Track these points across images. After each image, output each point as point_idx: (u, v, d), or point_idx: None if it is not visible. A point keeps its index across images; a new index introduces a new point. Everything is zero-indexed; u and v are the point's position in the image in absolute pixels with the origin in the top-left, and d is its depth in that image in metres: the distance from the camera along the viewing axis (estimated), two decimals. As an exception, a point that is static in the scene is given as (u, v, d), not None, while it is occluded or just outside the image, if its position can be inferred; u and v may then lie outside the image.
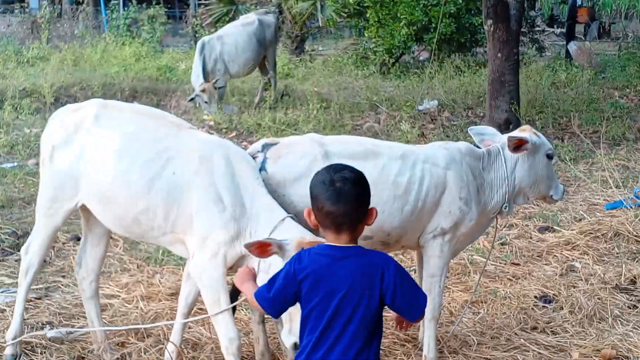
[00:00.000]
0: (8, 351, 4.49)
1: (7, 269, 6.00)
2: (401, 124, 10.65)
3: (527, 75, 14.14)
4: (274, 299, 2.89)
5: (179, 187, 4.00)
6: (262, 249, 3.43)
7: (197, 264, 3.99)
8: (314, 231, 3.26)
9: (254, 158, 4.19)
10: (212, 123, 10.85)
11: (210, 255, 3.95)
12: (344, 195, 2.82)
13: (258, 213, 3.93)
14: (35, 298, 5.43)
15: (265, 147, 4.23)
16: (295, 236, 3.57)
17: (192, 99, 11.59)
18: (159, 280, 5.76)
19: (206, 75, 11.78)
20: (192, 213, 3.97)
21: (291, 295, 2.88)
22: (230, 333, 3.95)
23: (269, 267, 3.66)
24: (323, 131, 10.16)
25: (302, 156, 4.18)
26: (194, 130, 4.32)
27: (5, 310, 5.17)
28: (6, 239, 6.59)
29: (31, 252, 4.54)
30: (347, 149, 4.27)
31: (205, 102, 11.37)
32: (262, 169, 4.13)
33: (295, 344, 3.61)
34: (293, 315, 3.54)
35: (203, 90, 11.40)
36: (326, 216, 2.83)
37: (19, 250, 6.22)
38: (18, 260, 6.04)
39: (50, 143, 4.31)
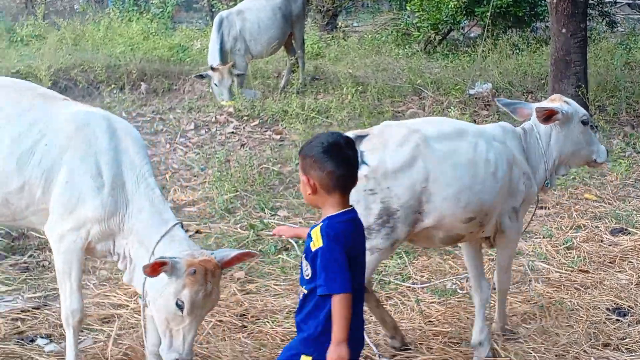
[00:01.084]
0: None
1: (1, 275, 6.08)
2: (449, 110, 10.63)
3: (595, 54, 14.03)
4: (346, 275, 3.31)
5: (55, 159, 4.26)
6: (155, 268, 3.89)
7: (55, 229, 4.26)
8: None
9: None
10: (231, 110, 10.91)
11: (73, 226, 4.24)
12: (353, 159, 3.46)
13: (141, 204, 4.25)
14: (33, 308, 5.50)
15: (357, 139, 4.40)
16: (185, 255, 4.01)
17: (200, 76, 11.63)
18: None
19: (224, 56, 11.82)
20: (63, 183, 4.22)
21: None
22: (74, 305, 4.33)
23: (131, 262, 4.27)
24: (359, 119, 10.19)
25: (402, 144, 4.47)
26: (70, 102, 4.56)
27: (-1, 321, 5.25)
28: (0, 240, 6.69)
29: None
30: (440, 130, 4.63)
31: (215, 85, 11.40)
32: (362, 162, 4.37)
33: None
34: (174, 331, 4.05)
35: (214, 70, 11.43)
36: (337, 180, 3.38)
37: (14, 254, 6.36)
38: (13, 265, 6.18)
39: None
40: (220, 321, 5.27)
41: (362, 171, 4.28)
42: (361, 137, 4.49)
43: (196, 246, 4.20)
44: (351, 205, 3.45)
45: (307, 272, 3.38)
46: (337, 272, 3.28)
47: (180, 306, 4.01)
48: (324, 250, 3.29)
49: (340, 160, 3.38)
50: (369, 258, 4.14)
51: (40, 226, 4.43)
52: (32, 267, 6.29)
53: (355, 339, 3.42)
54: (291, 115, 10.56)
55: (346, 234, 3.34)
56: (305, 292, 3.42)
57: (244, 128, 10.47)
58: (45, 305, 5.57)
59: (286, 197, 8.03)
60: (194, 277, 3.98)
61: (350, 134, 4.39)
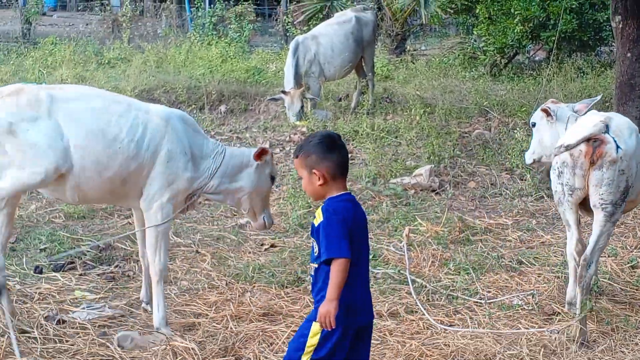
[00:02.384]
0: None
1: (90, 284, 6.21)
2: (515, 131, 10.54)
3: (660, 77, 13.73)
4: (343, 242, 3.74)
5: (158, 144, 5.25)
6: (260, 154, 5.48)
7: (155, 201, 5.27)
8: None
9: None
10: (304, 129, 10.98)
11: (170, 196, 5.32)
12: (345, 149, 3.96)
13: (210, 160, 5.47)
14: (120, 315, 5.59)
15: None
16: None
17: (273, 99, 11.80)
18: (250, 299, 5.87)
19: (299, 79, 11.92)
20: (164, 162, 5.30)
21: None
22: (166, 261, 5.37)
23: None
24: (427, 139, 10.16)
25: (630, 133, 5.37)
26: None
27: (87, 327, 5.35)
28: (88, 251, 6.83)
29: None
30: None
31: (285, 107, 11.57)
32: (617, 147, 5.20)
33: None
34: (267, 202, 5.72)
35: (285, 93, 11.57)
36: (341, 166, 3.88)
37: (101, 264, 6.50)
38: (100, 275, 6.31)
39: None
40: (295, 331, 5.28)
41: (618, 154, 5.16)
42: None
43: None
44: (349, 191, 3.94)
45: (316, 249, 3.82)
46: (335, 239, 3.72)
47: (273, 178, 5.64)
48: (324, 223, 3.77)
49: (339, 151, 3.89)
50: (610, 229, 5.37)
51: (133, 203, 5.36)
52: (118, 276, 6.41)
53: (363, 310, 3.90)
54: (361, 135, 10.59)
55: (345, 211, 3.80)
56: (316, 266, 3.85)
57: (316, 147, 10.49)
58: (131, 313, 5.66)
59: (357, 214, 8.03)
60: (272, 158, 5.63)
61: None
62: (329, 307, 3.70)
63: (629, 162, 5.23)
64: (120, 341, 5.04)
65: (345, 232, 3.74)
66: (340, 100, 13.34)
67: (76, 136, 4.96)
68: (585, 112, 5.90)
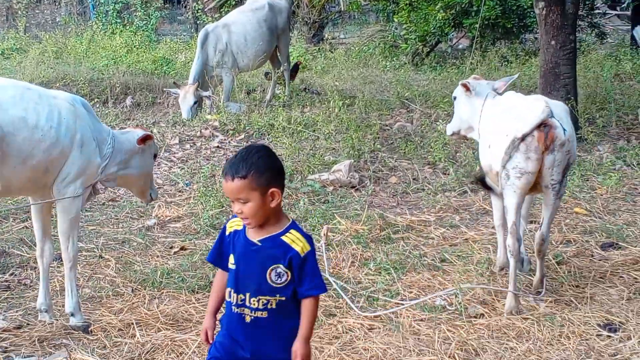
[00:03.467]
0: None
1: (-17, 294, 6.06)
2: (438, 123, 10.67)
3: (585, 66, 14.12)
4: None
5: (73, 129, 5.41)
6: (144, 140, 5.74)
7: (70, 187, 5.40)
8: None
9: None
10: (217, 124, 10.92)
11: (83, 182, 5.49)
12: None
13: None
14: (15, 327, 5.48)
15: None
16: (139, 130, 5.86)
17: (169, 90, 11.77)
18: (157, 306, 5.81)
19: (209, 70, 11.85)
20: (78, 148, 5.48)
21: None
22: (76, 249, 5.59)
23: None
24: (346, 132, 10.21)
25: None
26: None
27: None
28: (-20, 258, 6.67)
29: None
30: None
31: (179, 102, 11.57)
32: (564, 129, 5.69)
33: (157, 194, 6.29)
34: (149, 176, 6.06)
35: (178, 86, 11.54)
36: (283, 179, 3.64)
37: (2, 273, 6.33)
38: (-6, 284, 6.13)
39: None
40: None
41: (565, 136, 5.65)
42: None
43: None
44: None
45: (282, 278, 3.51)
46: (319, 272, 3.56)
47: (155, 156, 6.01)
48: (313, 253, 3.54)
49: (278, 159, 3.61)
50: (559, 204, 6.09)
51: (47, 192, 5.40)
52: (14, 285, 6.28)
53: None
54: (277, 129, 10.58)
55: None
56: (279, 299, 3.53)
57: (229, 142, 10.48)
58: (28, 324, 5.54)
59: (273, 213, 8.02)
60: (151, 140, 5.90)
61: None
62: (309, 348, 3.54)
63: (572, 143, 5.78)
64: None
65: None
66: (249, 93, 13.30)
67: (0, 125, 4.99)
68: (504, 91, 6.44)
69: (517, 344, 5.27)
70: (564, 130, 5.69)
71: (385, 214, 7.84)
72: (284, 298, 3.52)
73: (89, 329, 5.48)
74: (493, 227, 6.72)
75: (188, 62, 14.21)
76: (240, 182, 3.45)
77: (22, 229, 7.49)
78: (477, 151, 6.87)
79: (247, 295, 3.53)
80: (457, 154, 9.72)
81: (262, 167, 3.45)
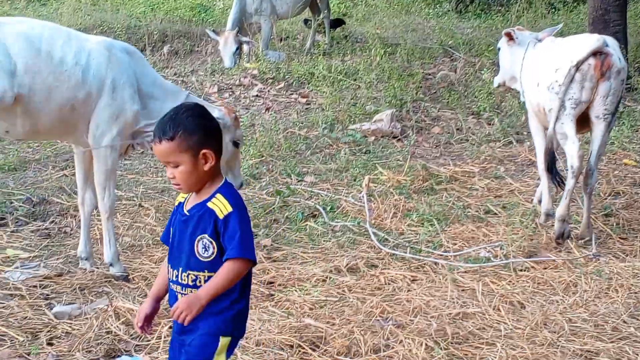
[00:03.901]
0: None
1: (22, 241, 6.14)
2: (482, 72, 10.56)
3: (635, 13, 13.85)
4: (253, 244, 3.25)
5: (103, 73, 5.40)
6: None
7: (105, 137, 5.42)
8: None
9: None
10: (256, 72, 10.89)
11: (117, 131, 5.46)
12: None
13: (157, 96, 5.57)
14: (56, 275, 5.55)
15: None
16: (220, 111, 5.64)
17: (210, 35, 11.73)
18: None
19: (247, 17, 11.79)
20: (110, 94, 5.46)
21: None
22: (114, 199, 5.59)
23: None
24: (388, 81, 10.14)
25: None
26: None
27: (21, 288, 5.29)
28: (20, 206, 6.74)
29: None
30: None
31: (219, 50, 11.50)
32: None
33: (242, 182, 6.08)
34: (232, 166, 5.84)
35: (218, 33, 11.47)
36: (221, 142, 3.29)
37: (35, 220, 6.42)
38: (35, 231, 6.23)
39: None
40: (247, 289, 5.29)
41: (621, 64, 5.86)
42: None
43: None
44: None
45: (209, 251, 3.19)
46: (250, 237, 3.18)
47: (237, 144, 5.81)
48: (237, 215, 3.16)
49: (215, 121, 3.31)
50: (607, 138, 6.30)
51: (81, 139, 5.42)
52: (54, 233, 6.35)
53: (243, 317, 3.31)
54: (318, 77, 10.52)
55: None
56: (210, 275, 3.18)
57: (268, 91, 10.46)
58: (69, 272, 5.62)
59: (313, 163, 8.04)
60: (237, 120, 5.83)
61: None
62: (199, 302, 3.12)
63: (626, 73, 6.00)
64: (57, 317, 4.98)
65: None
66: (306, 22, 13.20)
67: (24, 58, 5.03)
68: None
69: (563, 296, 5.25)
70: (619, 58, 5.87)
71: (428, 165, 7.81)
72: (212, 274, 3.17)
73: (128, 278, 5.54)
74: (539, 179, 6.67)
75: (226, 10, 14.14)
76: (168, 145, 3.15)
77: (62, 177, 7.56)
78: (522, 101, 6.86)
79: (180, 270, 3.24)
80: (502, 104, 9.63)
81: (191, 127, 3.16)
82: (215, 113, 5.47)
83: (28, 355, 4.51)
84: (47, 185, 7.36)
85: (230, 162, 5.84)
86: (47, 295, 5.27)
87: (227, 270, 3.13)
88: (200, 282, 3.19)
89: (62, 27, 5.48)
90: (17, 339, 4.66)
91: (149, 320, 3.34)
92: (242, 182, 6.11)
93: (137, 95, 5.45)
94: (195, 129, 3.17)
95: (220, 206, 3.16)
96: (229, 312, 3.20)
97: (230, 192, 3.22)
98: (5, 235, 6.23)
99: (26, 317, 4.92)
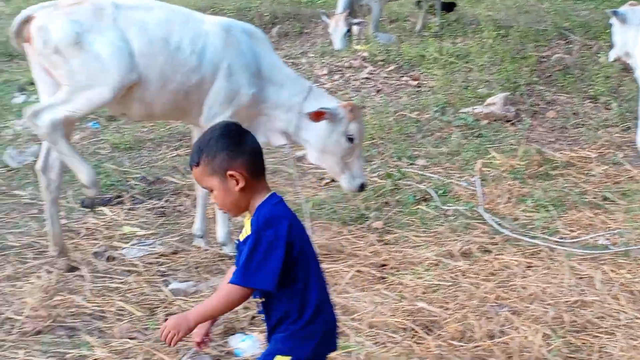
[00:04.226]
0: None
1: (139, 219, 6.30)
2: (599, 55, 10.31)
3: None
4: (275, 271, 2.96)
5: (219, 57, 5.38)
6: (318, 115, 5.36)
7: (216, 119, 5.27)
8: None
9: None
10: (366, 54, 10.88)
11: (231, 114, 5.43)
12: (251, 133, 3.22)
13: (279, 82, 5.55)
14: (171, 252, 5.67)
15: None
16: (337, 103, 5.54)
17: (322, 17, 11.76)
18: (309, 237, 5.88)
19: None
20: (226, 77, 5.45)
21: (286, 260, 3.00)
22: None
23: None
24: (501, 64, 10.00)
25: None
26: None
27: (137, 264, 5.43)
28: (136, 185, 6.92)
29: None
30: None
31: (329, 32, 11.51)
32: None
33: (362, 184, 5.67)
34: (350, 164, 5.56)
35: (328, 16, 11.47)
36: (260, 158, 3.12)
37: (150, 198, 6.57)
38: (150, 209, 6.38)
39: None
40: (359, 272, 5.31)
41: None
42: None
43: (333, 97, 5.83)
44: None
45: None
46: (258, 265, 2.95)
47: (351, 139, 5.50)
48: (252, 236, 2.98)
49: (250, 138, 3.13)
50: None
51: (195, 120, 5.50)
52: (169, 211, 6.49)
53: (325, 338, 3.15)
54: (429, 60, 10.46)
55: (282, 218, 3.00)
56: (261, 300, 3.11)
57: (379, 73, 10.44)
58: (183, 250, 5.73)
59: (424, 146, 7.99)
60: (354, 113, 5.51)
61: None
62: (186, 324, 3.02)
63: None
64: (174, 293, 5.09)
65: (279, 254, 2.95)
66: (418, 4, 13.13)
67: (141, 45, 5.10)
68: None
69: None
70: None
71: (542, 149, 7.67)
72: (264, 299, 3.11)
73: None
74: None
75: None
76: (196, 170, 3.09)
77: (175, 157, 7.72)
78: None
79: None
80: (620, 88, 9.39)
81: (213, 150, 3.04)
82: (327, 103, 5.53)
83: (145, 330, 4.63)
84: (162, 164, 7.53)
85: (346, 158, 5.58)
86: (163, 272, 5.40)
87: (221, 294, 3.06)
88: (260, 307, 3.15)
89: (180, 9, 5.51)
90: (135, 314, 4.80)
91: (206, 334, 3.26)
92: (363, 184, 5.69)
93: (255, 78, 5.44)
94: (218, 150, 3.04)
95: (247, 227, 3.05)
96: (285, 332, 3.08)
97: (261, 213, 3.02)
98: (122, 212, 6.40)
99: (143, 293, 5.05)
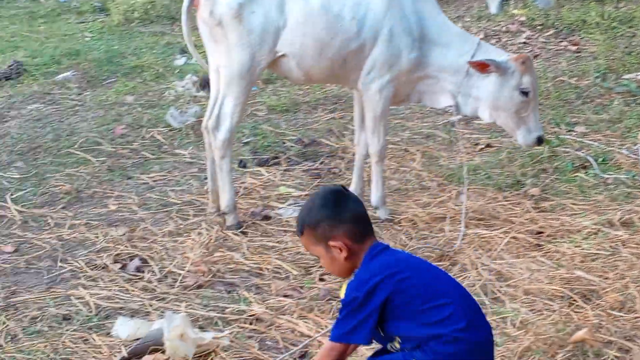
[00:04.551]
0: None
1: (294, 180, 6.41)
2: None
3: None
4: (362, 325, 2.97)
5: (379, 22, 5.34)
6: (482, 66, 5.25)
7: (375, 82, 5.43)
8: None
9: None
10: (523, 19, 10.65)
11: (390, 78, 5.44)
12: (356, 197, 3.23)
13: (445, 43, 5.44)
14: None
15: None
16: (507, 57, 5.37)
17: None
18: (463, 201, 5.85)
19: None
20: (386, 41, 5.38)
21: None
22: (384, 142, 5.58)
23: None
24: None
25: None
26: None
27: (293, 224, 5.53)
28: (292, 147, 7.04)
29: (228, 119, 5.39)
30: None
31: None
32: None
33: (540, 137, 5.45)
34: (525, 118, 5.39)
35: None
36: (363, 222, 3.06)
37: (306, 160, 6.68)
38: (305, 171, 6.49)
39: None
40: (515, 238, 5.25)
41: None
42: None
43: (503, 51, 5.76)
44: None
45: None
46: (347, 322, 2.97)
47: (525, 92, 5.30)
48: (345, 300, 3.02)
49: (352, 203, 3.10)
50: None
51: (354, 84, 5.50)
52: (323, 173, 6.58)
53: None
54: (590, 25, 10.15)
55: (378, 271, 2.97)
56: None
57: (537, 38, 10.20)
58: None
59: (584, 113, 7.78)
60: (525, 66, 5.29)
61: None
62: None
63: None
64: None
65: (371, 308, 2.94)
66: None
67: (299, 13, 5.19)
68: None
69: None
70: None
71: None
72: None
73: (394, 221, 5.63)
74: None
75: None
76: (302, 239, 3.17)
77: (330, 120, 7.80)
78: None
79: None
80: None
81: (313, 220, 3.06)
82: (497, 57, 5.38)
83: (301, 288, 4.75)
84: (317, 127, 7.62)
85: (521, 112, 5.39)
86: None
87: (323, 350, 3.14)
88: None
89: None
90: (291, 272, 4.91)
91: None
92: (540, 137, 5.46)
93: (418, 42, 5.37)
94: (318, 220, 3.05)
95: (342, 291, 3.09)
96: None
97: (356, 275, 3.06)
98: (279, 173, 6.53)
99: (299, 252, 5.15)
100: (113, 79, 9.61)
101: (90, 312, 4.51)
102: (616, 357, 3.87)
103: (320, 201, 3.11)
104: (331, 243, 3.03)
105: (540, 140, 5.51)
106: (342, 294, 3.08)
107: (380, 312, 2.94)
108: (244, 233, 5.45)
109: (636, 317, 4.23)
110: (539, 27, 10.44)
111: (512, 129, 5.49)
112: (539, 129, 5.46)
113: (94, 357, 4.06)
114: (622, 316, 4.24)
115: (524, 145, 5.63)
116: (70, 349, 4.12)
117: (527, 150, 6.78)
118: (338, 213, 3.05)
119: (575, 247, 5.12)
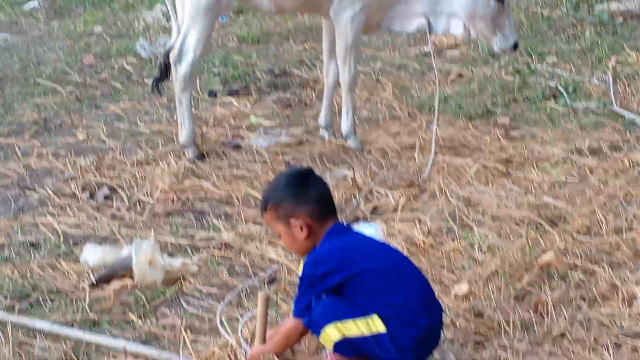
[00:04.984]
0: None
1: (265, 110, 6.38)
2: None
3: None
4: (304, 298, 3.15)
5: None
6: None
7: (347, 11, 5.36)
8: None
9: None
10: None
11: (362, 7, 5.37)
12: (322, 179, 3.37)
13: None
14: (296, 143, 5.74)
15: None
16: None
17: None
18: (435, 131, 5.85)
19: None
20: None
21: None
22: (356, 70, 5.60)
23: None
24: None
25: None
26: None
27: (263, 154, 5.52)
28: (262, 77, 7.00)
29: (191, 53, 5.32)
30: None
31: None
32: None
33: (516, 42, 5.51)
34: (500, 25, 5.40)
35: None
36: (325, 203, 3.20)
37: (276, 90, 6.64)
38: (276, 101, 6.46)
39: None
40: (484, 166, 5.26)
41: None
42: None
43: None
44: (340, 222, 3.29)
45: None
46: (301, 297, 3.14)
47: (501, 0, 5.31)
48: (302, 273, 3.16)
49: (316, 184, 3.24)
50: None
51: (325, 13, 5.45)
52: (294, 103, 6.54)
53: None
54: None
55: (336, 251, 3.12)
56: None
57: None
58: (308, 141, 5.79)
59: (555, 43, 7.78)
60: None
61: None
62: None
63: None
64: None
65: (324, 288, 3.08)
66: None
67: None
68: None
69: None
70: None
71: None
72: None
73: (365, 151, 5.63)
74: None
75: None
76: (265, 216, 3.28)
77: (302, 50, 7.75)
78: None
79: None
80: None
81: (277, 198, 3.19)
82: None
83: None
84: (288, 57, 7.58)
85: (498, 20, 5.42)
86: (288, 162, 5.47)
87: (284, 327, 3.23)
88: None
89: None
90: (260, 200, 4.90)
91: None
92: (515, 42, 5.53)
93: None
94: (281, 199, 3.17)
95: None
96: None
97: (315, 251, 3.16)
98: (249, 103, 6.50)
99: (269, 181, 5.13)
100: (81, 9, 9.48)
101: (59, 239, 4.49)
102: (581, 280, 3.91)
103: (285, 180, 3.26)
104: (292, 221, 3.14)
105: (516, 45, 5.59)
106: (300, 270, 3.20)
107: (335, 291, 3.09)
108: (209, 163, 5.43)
109: (602, 242, 4.27)
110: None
111: (488, 36, 5.52)
112: (514, 34, 5.55)
113: (62, 283, 4.05)
114: (587, 240, 4.27)
115: (501, 51, 5.63)
116: (38, 275, 4.10)
117: (498, 81, 6.78)
118: (301, 192, 3.18)
119: (544, 174, 5.14)
